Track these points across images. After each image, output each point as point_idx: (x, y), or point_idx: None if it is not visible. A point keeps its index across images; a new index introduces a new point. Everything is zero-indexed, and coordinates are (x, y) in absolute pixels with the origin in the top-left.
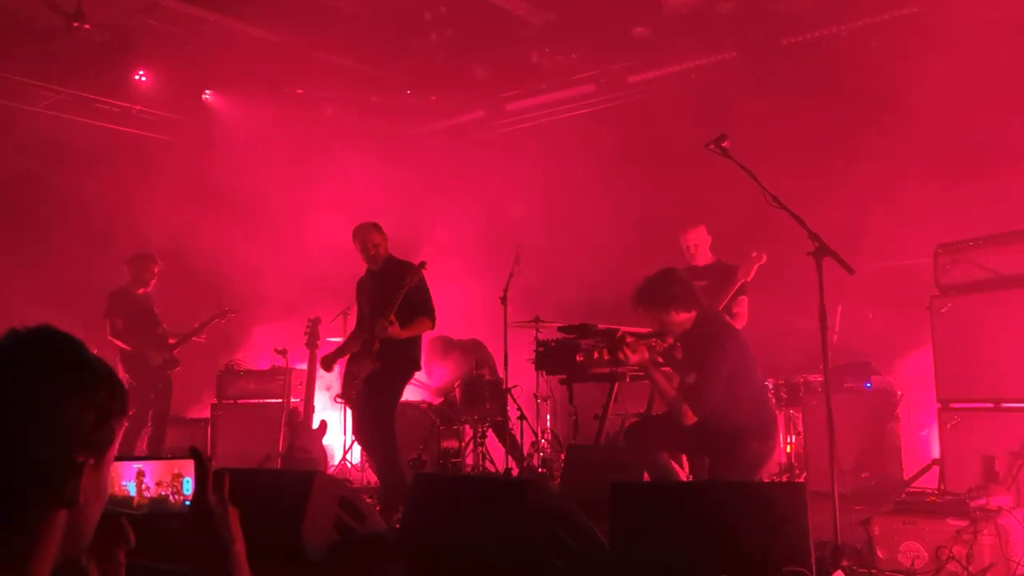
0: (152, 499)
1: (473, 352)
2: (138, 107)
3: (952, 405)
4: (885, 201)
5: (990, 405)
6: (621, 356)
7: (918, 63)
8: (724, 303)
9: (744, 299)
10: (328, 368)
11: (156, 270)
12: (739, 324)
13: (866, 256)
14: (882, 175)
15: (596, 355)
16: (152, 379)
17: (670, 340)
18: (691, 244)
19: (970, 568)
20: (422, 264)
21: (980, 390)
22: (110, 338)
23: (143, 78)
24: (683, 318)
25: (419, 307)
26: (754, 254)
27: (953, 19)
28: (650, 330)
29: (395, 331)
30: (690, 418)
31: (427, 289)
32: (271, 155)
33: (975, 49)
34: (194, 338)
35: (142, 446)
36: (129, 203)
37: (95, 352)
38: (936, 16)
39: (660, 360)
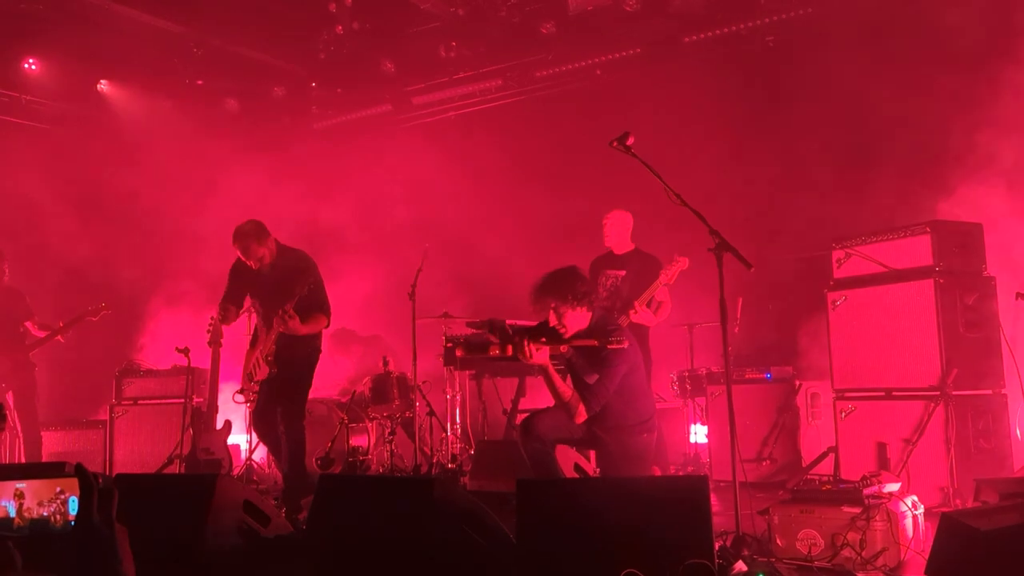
0: (32, 520)
1: (375, 345)
2: (28, 96)
3: (846, 394)
4: (787, 195)
5: (881, 394)
6: (526, 353)
7: (813, 61)
8: (644, 298)
9: (667, 289)
10: (215, 344)
11: (5, 268)
12: (664, 313)
13: (770, 249)
14: (784, 170)
15: (495, 351)
16: (6, 385)
17: (567, 342)
18: (608, 224)
19: (863, 553)
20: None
21: (872, 379)
22: None
23: (33, 66)
24: (581, 315)
25: (315, 304)
26: (676, 258)
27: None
28: (537, 323)
29: (296, 325)
30: (583, 416)
31: (323, 286)
32: (170, 147)
33: (867, 49)
34: (58, 337)
35: (15, 454)
36: (18, 195)
37: None
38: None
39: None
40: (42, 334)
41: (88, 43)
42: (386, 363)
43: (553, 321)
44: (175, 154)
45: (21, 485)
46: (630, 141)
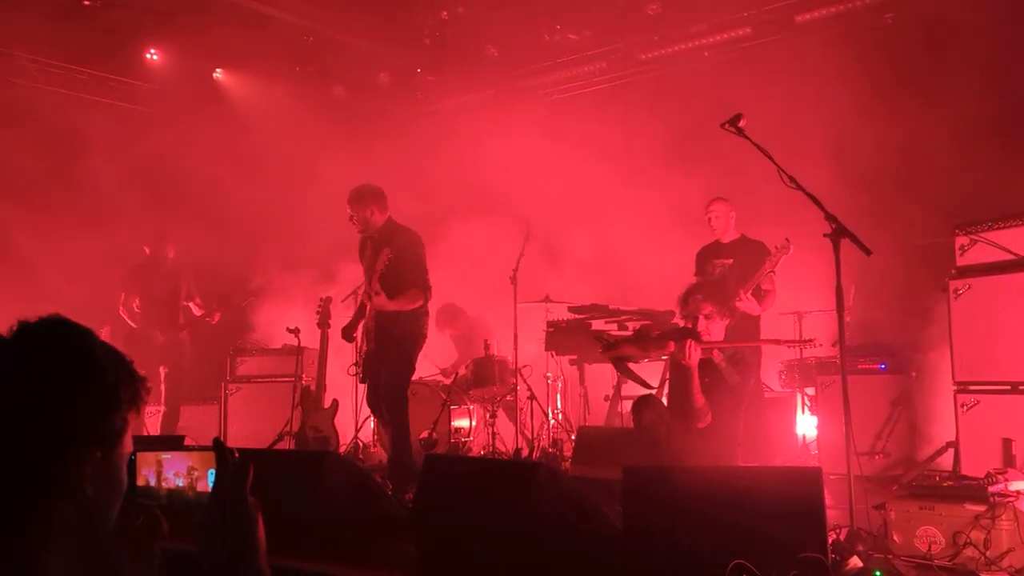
0: (170, 490)
1: (481, 328)
2: (149, 85)
3: (969, 387)
4: (905, 179)
5: (1007, 387)
6: (687, 352)
7: (934, 39)
8: (750, 286)
9: (774, 276)
10: (349, 339)
11: (170, 254)
12: (771, 300)
13: (886, 234)
14: (901, 155)
15: (632, 349)
16: (157, 359)
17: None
18: (714, 216)
19: (988, 554)
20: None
21: (997, 372)
22: (120, 313)
23: (154, 56)
24: (723, 327)
25: (408, 277)
26: (780, 245)
27: None
28: (680, 325)
29: (381, 302)
30: (706, 422)
31: (419, 259)
32: (281, 133)
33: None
34: (206, 319)
35: (154, 426)
36: (144, 181)
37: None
38: None
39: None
40: (201, 310)
41: (206, 33)
42: (487, 346)
43: (701, 326)
44: (286, 140)
45: (165, 456)
46: (742, 123)
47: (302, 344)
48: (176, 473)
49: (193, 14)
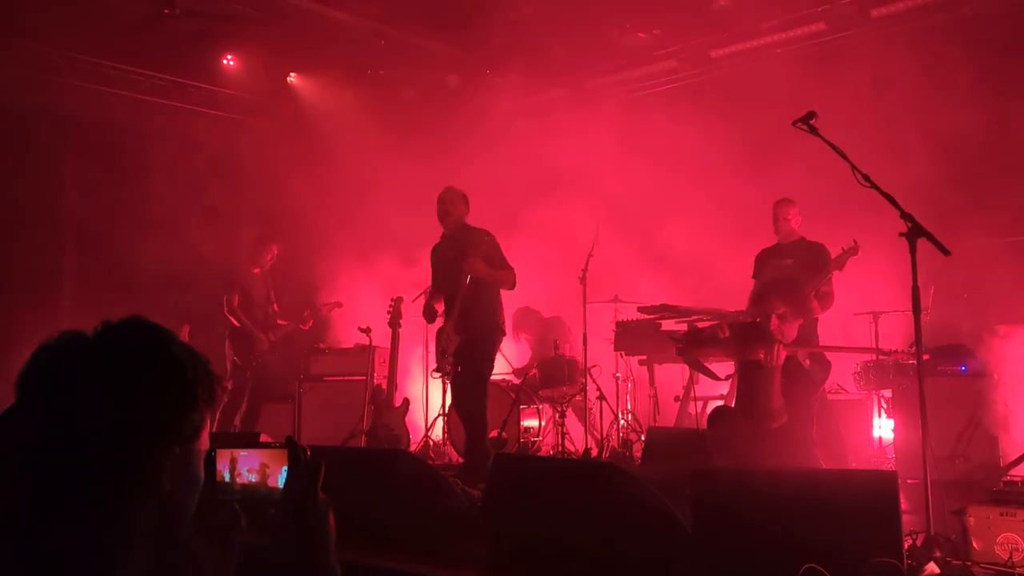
0: (243, 486)
1: (554, 329)
2: (227, 90)
3: None
4: (988, 177)
5: None
6: (775, 354)
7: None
8: (815, 287)
9: (832, 277)
10: (430, 318)
11: (275, 250)
12: (830, 302)
13: (967, 232)
14: (985, 151)
15: (714, 351)
16: (255, 359)
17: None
18: (780, 218)
19: None
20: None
21: None
22: (225, 313)
23: (231, 62)
24: (795, 328)
25: (501, 262)
26: (849, 247)
27: None
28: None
29: (481, 268)
30: (780, 423)
31: (502, 251)
32: (353, 136)
33: None
34: (300, 325)
35: (239, 423)
36: (219, 184)
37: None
38: None
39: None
40: (283, 322)
41: (280, 38)
42: (557, 347)
43: (774, 325)
44: (357, 143)
45: (243, 453)
46: (815, 120)
47: (373, 343)
48: (250, 469)
49: (267, 20)
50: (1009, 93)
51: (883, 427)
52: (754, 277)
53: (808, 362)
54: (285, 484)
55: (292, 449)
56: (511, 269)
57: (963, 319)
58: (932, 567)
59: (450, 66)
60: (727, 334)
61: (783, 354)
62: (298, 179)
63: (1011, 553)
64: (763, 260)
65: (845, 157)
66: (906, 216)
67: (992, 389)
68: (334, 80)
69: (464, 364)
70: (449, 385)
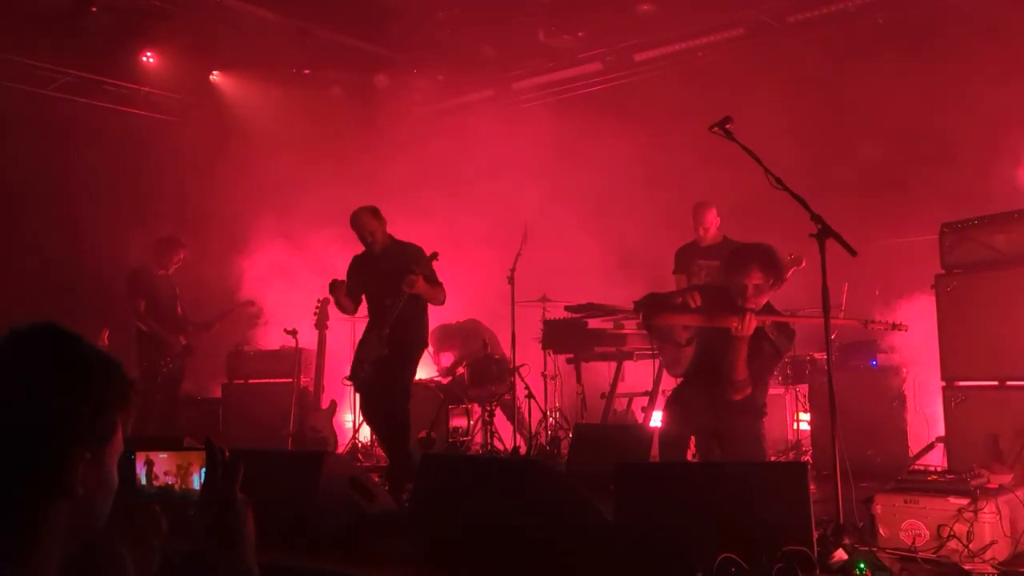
0: (161, 488)
1: (474, 332)
2: (146, 88)
3: (956, 383)
4: (895, 178)
5: (995, 383)
6: (746, 323)
7: (925, 41)
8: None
9: None
10: (335, 291)
11: (180, 255)
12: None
13: (877, 233)
14: (892, 153)
15: (682, 300)
16: (167, 363)
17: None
18: (699, 221)
19: (971, 546)
20: (434, 255)
21: (985, 368)
22: (133, 320)
23: (151, 60)
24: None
25: (436, 280)
26: (791, 256)
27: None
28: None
29: (423, 284)
30: (744, 395)
31: (431, 266)
32: (279, 136)
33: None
34: (203, 331)
35: (152, 427)
36: (138, 184)
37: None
38: None
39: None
40: (191, 326)
41: (202, 36)
42: (485, 346)
43: (751, 293)
44: (282, 142)
45: (163, 456)
46: (730, 125)
47: (300, 345)
48: (167, 471)
49: (188, 17)
50: (925, 95)
51: (801, 421)
52: (675, 272)
53: (774, 333)
54: (203, 485)
55: (210, 450)
56: (442, 286)
57: (874, 316)
58: (841, 554)
59: (377, 66)
60: (699, 302)
61: (754, 323)
62: (221, 179)
63: (914, 539)
64: (686, 258)
65: (758, 160)
66: (816, 217)
67: (900, 383)
68: (258, 79)
69: (388, 373)
70: (359, 393)
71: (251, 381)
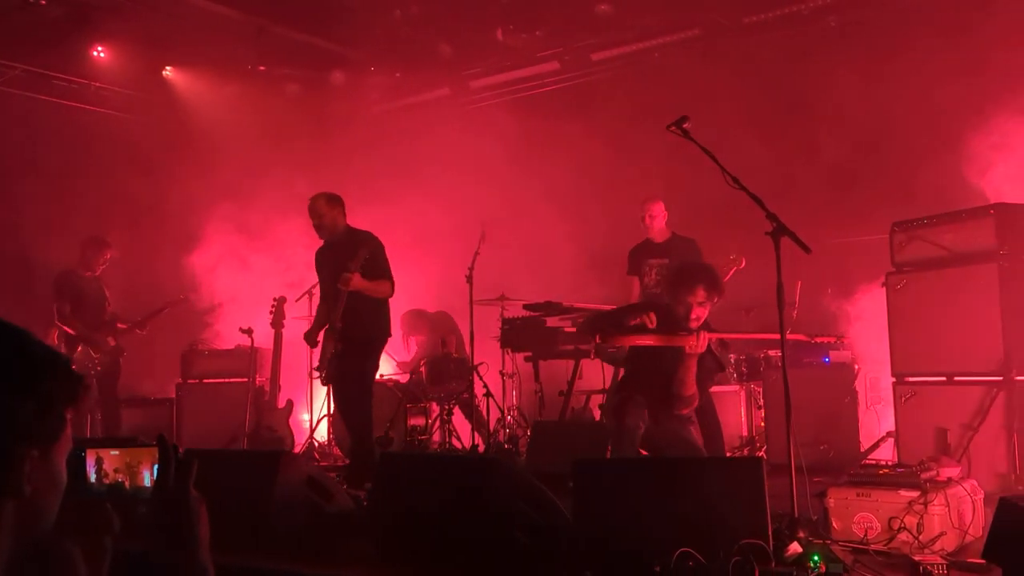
0: (111, 485)
1: (442, 325)
2: (97, 83)
3: (906, 379)
4: (849, 177)
5: (943, 379)
6: (703, 341)
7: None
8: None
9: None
10: (312, 344)
11: (107, 256)
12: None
13: (831, 232)
14: (846, 153)
15: (639, 321)
16: (97, 364)
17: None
18: (647, 216)
19: (920, 537)
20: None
21: (933, 364)
22: (57, 323)
23: (101, 54)
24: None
25: (379, 270)
26: (732, 256)
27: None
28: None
29: (358, 281)
30: (691, 409)
31: (386, 257)
32: (234, 133)
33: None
34: (137, 330)
35: (95, 430)
36: (89, 181)
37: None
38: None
39: None
40: (123, 325)
41: (154, 30)
42: (444, 344)
43: (695, 312)
44: (237, 139)
45: (114, 452)
46: (687, 125)
47: (256, 345)
48: (117, 469)
49: (140, 11)
50: (880, 95)
51: (755, 417)
52: (629, 274)
53: (719, 348)
54: (155, 482)
55: (162, 447)
56: (389, 279)
57: (828, 313)
58: (795, 547)
59: (334, 63)
60: (655, 324)
61: (706, 340)
62: (174, 176)
63: (866, 531)
64: (638, 257)
65: (715, 159)
66: (771, 216)
67: (852, 379)
68: (212, 75)
69: (346, 370)
70: (330, 389)
71: (206, 381)
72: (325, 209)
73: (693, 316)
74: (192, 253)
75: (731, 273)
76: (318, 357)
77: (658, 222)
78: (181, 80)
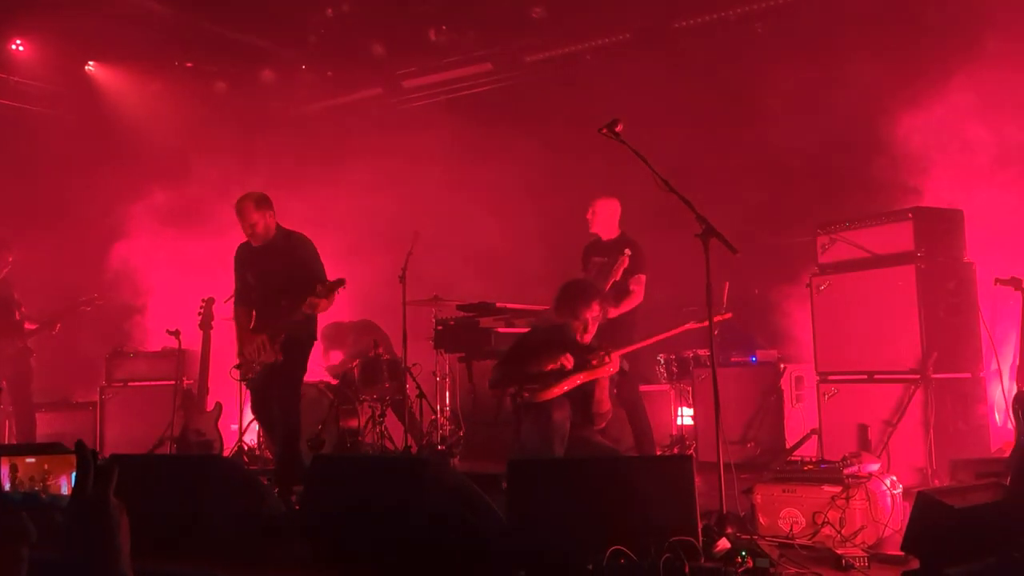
0: (27, 493)
1: (365, 334)
2: (16, 78)
3: (829, 377)
4: (775, 180)
5: (864, 377)
6: (617, 364)
7: (804, 50)
8: (608, 285)
9: (642, 277)
10: (245, 376)
11: (9, 258)
12: (635, 301)
13: (757, 234)
14: (771, 157)
15: (558, 366)
16: (6, 368)
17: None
18: (590, 212)
19: (843, 531)
20: (340, 282)
21: (854, 363)
22: None
23: (20, 48)
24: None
25: (318, 280)
26: (622, 257)
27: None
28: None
29: (323, 304)
30: (608, 420)
31: (320, 262)
32: (157, 130)
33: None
34: (47, 331)
35: (7, 436)
36: (8, 179)
37: None
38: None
39: None
40: (32, 325)
41: (76, 24)
42: (376, 345)
43: (592, 329)
44: (163, 137)
45: (27, 460)
46: (619, 128)
47: (183, 346)
48: (33, 476)
49: (61, 4)
50: (810, 98)
51: (684, 416)
52: (583, 271)
53: (627, 363)
54: (73, 489)
55: (81, 453)
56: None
57: (755, 313)
58: (724, 543)
59: (264, 60)
60: (571, 364)
61: (618, 360)
62: (97, 174)
63: (792, 526)
64: (587, 254)
65: (646, 162)
66: (700, 218)
67: (778, 378)
68: (137, 71)
69: (276, 375)
70: (251, 392)
71: (131, 384)
72: (257, 217)
73: (591, 330)
74: (116, 252)
75: (619, 272)
76: (238, 357)
77: (599, 219)
78: (104, 76)
